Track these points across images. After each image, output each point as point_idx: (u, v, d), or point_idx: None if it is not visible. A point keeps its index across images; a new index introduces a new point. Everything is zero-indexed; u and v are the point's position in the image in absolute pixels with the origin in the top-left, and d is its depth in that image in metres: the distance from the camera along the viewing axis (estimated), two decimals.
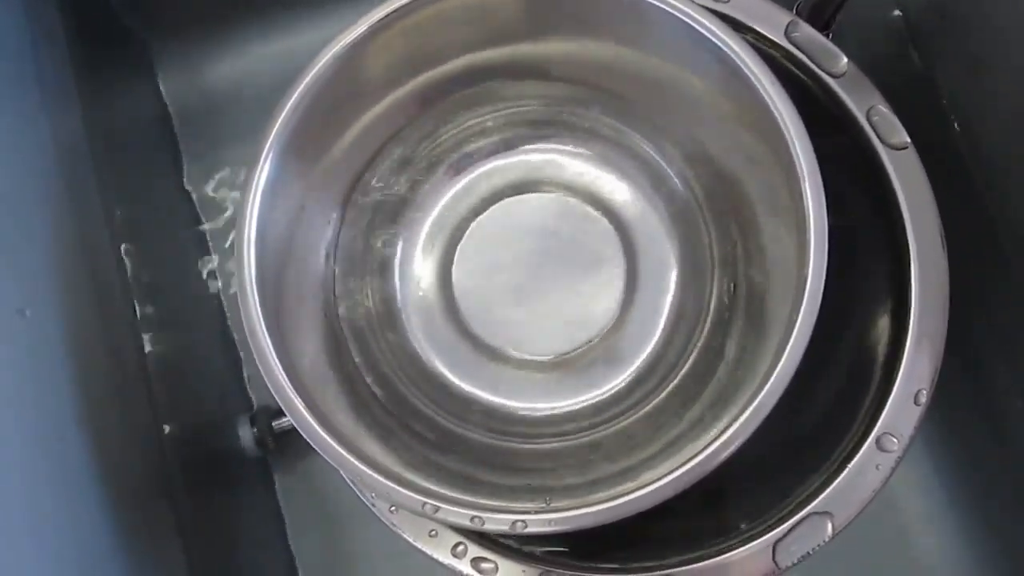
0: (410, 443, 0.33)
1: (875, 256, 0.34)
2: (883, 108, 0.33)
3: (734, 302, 0.34)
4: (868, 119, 0.33)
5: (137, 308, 0.40)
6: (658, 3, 0.30)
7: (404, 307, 0.36)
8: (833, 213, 0.28)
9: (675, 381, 0.34)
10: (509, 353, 0.36)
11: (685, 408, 0.33)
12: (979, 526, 0.44)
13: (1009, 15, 0.36)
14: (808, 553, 0.31)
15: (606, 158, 0.36)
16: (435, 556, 0.32)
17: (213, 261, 0.49)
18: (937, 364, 0.32)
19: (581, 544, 0.32)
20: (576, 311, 0.35)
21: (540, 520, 0.28)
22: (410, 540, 0.32)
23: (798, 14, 0.35)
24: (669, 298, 0.35)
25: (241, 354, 0.48)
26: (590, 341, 0.35)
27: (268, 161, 0.31)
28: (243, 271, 0.30)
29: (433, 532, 0.32)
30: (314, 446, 0.29)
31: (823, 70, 0.34)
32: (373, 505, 0.33)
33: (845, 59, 0.34)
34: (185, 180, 0.50)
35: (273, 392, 0.29)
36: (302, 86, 0.31)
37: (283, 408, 0.29)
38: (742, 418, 0.27)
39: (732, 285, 0.35)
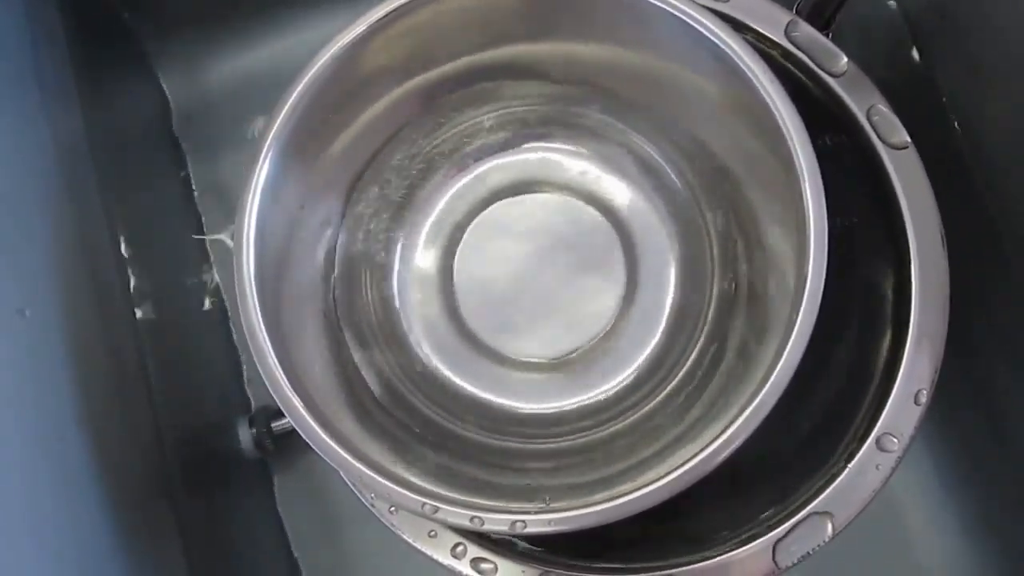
0: (409, 443, 0.33)
1: (875, 256, 0.34)
2: (883, 108, 0.33)
3: (734, 301, 0.34)
4: (868, 118, 0.33)
5: (137, 308, 0.40)
6: (657, 2, 0.30)
7: (403, 307, 0.36)
8: (833, 213, 0.28)
9: (675, 381, 0.34)
10: (509, 353, 0.35)
11: (685, 408, 0.33)
12: (979, 526, 0.44)
13: (1009, 14, 0.36)
14: (808, 553, 0.31)
15: (606, 158, 0.36)
16: (434, 557, 0.32)
17: (213, 261, 0.49)
18: (937, 364, 0.32)
19: (581, 544, 0.32)
20: (576, 311, 0.35)
21: (540, 520, 0.28)
22: (409, 541, 0.32)
23: (798, 13, 0.35)
24: (669, 298, 0.35)
25: (241, 355, 0.48)
26: (590, 341, 0.35)
27: (267, 160, 0.31)
28: (242, 270, 0.30)
29: (432, 532, 0.32)
30: (313, 447, 0.29)
31: (823, 69, 0.34)
32: (372, 506, 0.32)
33: (845, 58, 0.34)
34: (185, 179, 0.50)
35: (272, 393, 0.29)
36: (301, 85, 0.31)
37: (282, 409, 0.29)
38: (742, 418, 0.27)
39: (732, 284, 0.34)
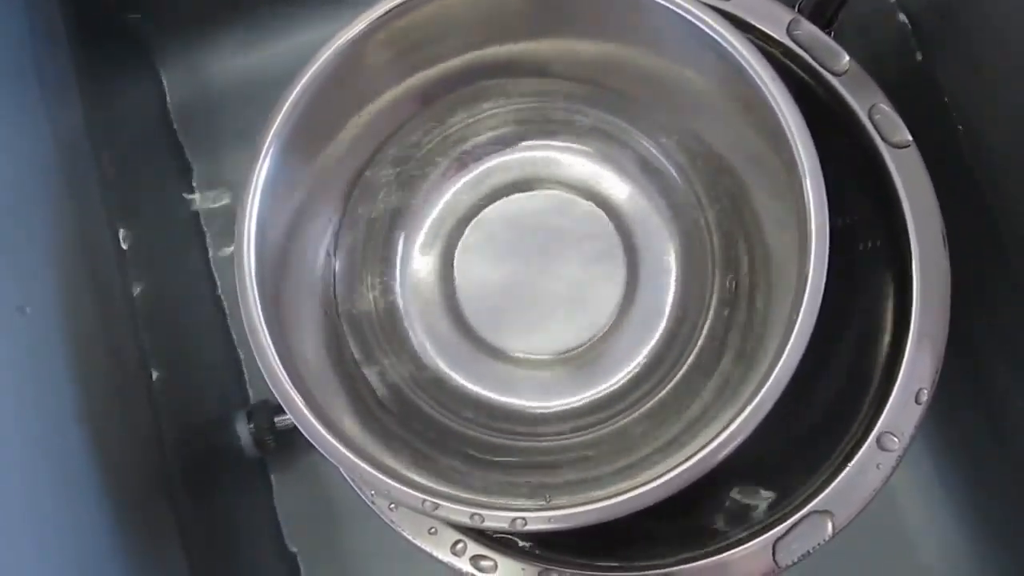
0: (410, 440, 0.33)
1: (876, 254, 0.34)
2: (885, 106, 0.33)
3: (735, 300, 0.34)
4: (870, 117, 0.33)
5: (137, 305, 0.40)
6: (660, 0, 0.30)
7: (404, 304, 0.36)
8: (834, 212, 0.28)
9: (675, 379, 0.34)
10: (510, 351, 0.35)
11: (685, 406, 0.33)
12: (980, 525, 0.44)
13: (1011, 14, 0.35)
14: (808, 552, 0.31)
15: (607, 156, 0.36)
16: (434, 554, 0.32)
17: (213, 258, 0.49)
18: (938, 363, 0.32)
19: (581, 542, 0.32)
20: (577, 309, 0.35)
21: (540, 518, 0.28)
22: (409, 538, 0.32)
23: (800, 12, 0.35)
24: (670, 296, 0.35)
25: (241, 353, 0.48)
26: (591, 339, 0.35)
27: (268, 158, 0.31)
28: (243, 268, 0.30)
29: (432, 530, 0.32)
30: (313, 443, 0.29)
31: (825, 68, 0.34)
32: (372, 503, 0.32)
33: (847, 57, 0.34)
34: (186, 177, 0.50)
35: (272, 389, 0.29)
36: (302, 83, 0.31)
37: (282, 405, 0.29)
38: (742, 416, 0.27)
39: (733, 283, 0.34)
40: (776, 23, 0.34)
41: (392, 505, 0.32)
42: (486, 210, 0.37)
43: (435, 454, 0.33)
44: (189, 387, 0.43)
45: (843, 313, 0.33)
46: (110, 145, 0.41)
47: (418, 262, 0.37)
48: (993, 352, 0.42)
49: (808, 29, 0.34)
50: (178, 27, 0.50)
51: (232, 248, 0.30)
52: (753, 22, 0.34)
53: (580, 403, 0.35)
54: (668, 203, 0.36)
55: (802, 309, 0.27)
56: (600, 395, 0.35)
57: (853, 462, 0.31)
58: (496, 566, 0.32)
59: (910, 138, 0.33)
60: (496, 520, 0.28)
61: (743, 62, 0.29)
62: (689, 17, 0.30)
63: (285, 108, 0.31)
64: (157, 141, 0.50)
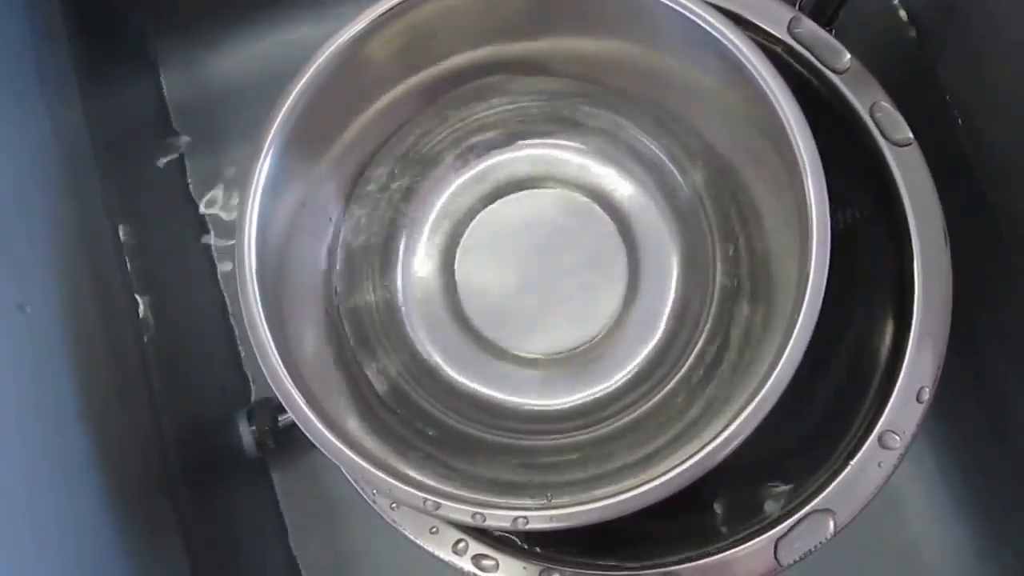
0: (411, 439, 0.33)
1: (878, 253, 0.34)
2: (886, 104, 0.33)
3: (736, 298, 0.34)
4: (871, 115, 0.33)
5: (138, 304, 0.40)
6: None
7: (406, 303, 0.36)
8: (836, 210, 0.28)
9: (677, 377, 0.34)
10: (511, 349, 0.35)
11: (687, 405, 0.33)
12: (982, 523, 0.44)
13: (1012, 11, 0.35)
14: (810, 550, 0.31)
15: (608, 154, 0.36)
16: (436, 553, 0.32)
17: (214, 257, 0.49)
18: (940, 362, 0.32)
19: (583, 541, 0.32)
20: (578, 307, 0.35)
21: (541, 517, 0.28)
22: (411, 537, 0.32)
23: (801, 9, 0.34)
24: (671, 294, 0.35)
25: (242, 351, 0.48)
26: (592, 337, 0.35)
27: (269, 156, 0.30)
28: (244, 267, 0.30)
29: (434, 529, 0.32)
30: (315, 442, 0.29)
31: (826, 66, 0.34)
32: (374, 502, 0.32)
33: (848, 55, 0.34)
34: (186, 176, 0.50)
35: (274, 388, 0.29)
36: (303, 81, 0.31)
37: (284, 404, 0.29)
38: (743, 415, 0.27)
39: (734, 281, 0.34)
40: (777, 21, 0.34)
41: (393, 504, 0.32)
42: (487, 209, 0.36)
43: (436, 453, 0.33)
44: (190, 386, 0.43)
45: (844, 311, 0.33)
46: (110, 144, 0.41)
47: (419, 261, 0.37)
48: (994, 350, 0.42)
49: (809, 27, 0.34)
50: (178, 26, 0.50)
51: (233, 246, 0.30)
52: (754, 20, 0.34)
53: (582, 402, 0.35)
54: (669, 201, 0.36)
55: (803, 308, 0.27)
56: (601, 394, 0.35)
57: (855, 460, 0.31)
58: (498, 565, 0.32)
59: (911, 136, 0.33)
60: (498, 519, 0.28)
61: (744, 60, 0.29)
62: (690, 15, 0.30)
63: (286, 107, 0.31)
64: (157, 140, 0.50)
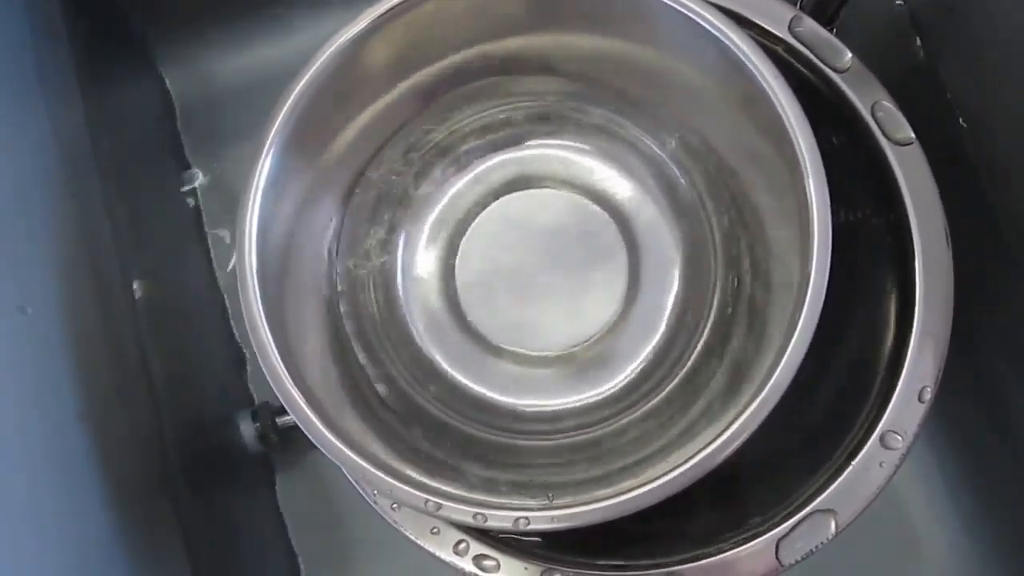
0: (412, 439, 0.33)
1: (879, 253, 0.34)
2: (887, 103, 0.33)
3: (737, 298, 0.34)
4: (872, 115, 0.33)
5: (138, 304, 0.40)
6: None
7: (406, 303, 0.36)
8: (837, 210, 0.28)
9: (678, 377, 0.34)
10: (512, 349, 0.35)
11: (688, 405, 0.33)
12: (983, 523, 0.44)
13: (1013, 11, 0.35)
14: (811, 551, 0.31)
15: (609, 153, 0.36)
16: (437, 553, 0.32)
17: (215, 257, 0.49)
18: (941, 362, 0.32)
19: (584, 541, 0.32)
20: (579, 307, 0.35)
21: (543, 517, 0.28)
22: (412, 537, 0.32)
23: (802, 8, 0.34)
24: (672, 294, 0.35)
25: (244, 351, 0.48)
26: (593, 337, 0.35)
27: (269, 156, 0.30)
28: (244, 267, 0.30)
29: (435, 529, 0.32)
30: (316, 443, 0.29)
31: (827, 65, 0.34)
32: (375, 502, 0.32)
33: (849, 54, 0.34)
34: (187, 175, 0.50)
35: (275, 388, 0.29)
36: (303, 81, 0.31)
37: (285, 404, 0.29)
38: (745, 415, 0.27)
39: (735, 281, 0.34)
40: (778, 20, 0.34)
41: (394, 505, 0.32)
42: (488, 209, 0.36)
43: (437, 453, 0.33)
44: (190, 386, 0.43)
45: (846, 311, 0.33)
46: (111, 144, 0.41)
47: (420, 260, 0.37)
48: (996, 350, 0.42)
49: (810, 26, 0.34)
50: (179, 26, 0.50)
51: (234, 247, 0.30)
52: (755, 19, 0.34)
53: (582, 402, 0.35)
54: (670, 201, 0.36)
55: (804, 308, 0.27)
56: (602, 394, 0.35)
57: (856, 460, 0.31)
58: (499, 566, 0.32)
59: (913, 135, 0.33)
60: (499, 520, 0.28)
61: (745, 59, 0.29)
62: (691, 14, 0.30)
63: (286, 107, 0.31)
64: (158, 140, 0.50)
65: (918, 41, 0.43)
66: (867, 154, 0.33)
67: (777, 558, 0.31)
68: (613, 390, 0.35)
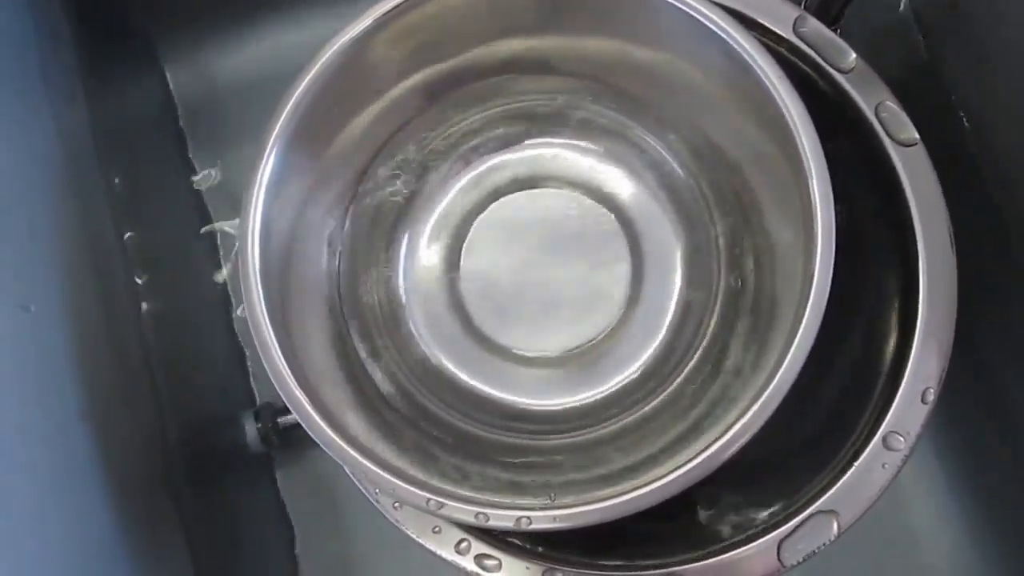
0: (414, 439, 0.33)
1: (883, 253, 0.34)
2: (892, 104, 0.33)
3: (740, 298, 0.34)
4: (877, 115, 0.33)
5: (142, 303, 0.40)
6: None
7: (409, 302, 0.36)
8: (840, 210, 0.28)
9: (680, 378, 0.34)
10: (514, 349, 0.35)
11: (690, 405, 0.33)
12: (986, 525, 0.44)
13: (1018, 10, 0.35)
14: (813, 552, 0.31)
15: (612, 153, 0.36)
16: (439, 552, 0.32)
17: (218, 255, 0.49)
18: (945, 363, 0.32)
19: (586, 541, 0.32)
20: (582, 307, 0.35)
21: (545, 517, 0.28)
22: (413, 536, 0.32)
23: (806, 9, 0.34)
24: (675, 294, 0.35)
25: (246, 350, 0.48)
26: (596, 337, 0.35)
27: (272, 155, 0.30)
28: (247, 265, 0.30)
29: (437, 528, 0.32)
30: (318, 441, 0.29)
31: (831, 65, 0.33)
32: (377, 501, 0.32)
33: (854, 55, 0.33)
34: (190, 174, 0.50)
35: (277, 387, 0.29)
36: (307, 80, 0.31)
37: (287, 403, 0.29)
38: (747, 415, 0.27)
39: (738, 281, 0.34)
40: (782, 20, 0.34)
41: (396, 504, 0.32)
42: (491, 208, 0.36)
43: (440, 452, 0.33)
44: (193, 385, 0.43)
45: (849, 312, 0.33)
46: (114, 143, 0.41)
47: (422, 259, 0.37)
48: (1000, 351, 0.42)
49: (814, 26, 0.34)
50: (182, 24, 0.50)
51: (237, 245, 0.30)
52: (759, 19, 0.34)
53: (585, 401, 0.35)
54: (673, 201, 0.36)
55: (808, 307, 0.27)
56: (605, 393, 0.35)
57: (859, 462, 0.31)
58: (500, 565, 0.32)
59: (917, 136, 0.33)
60: (501, 519, 0.28)
61: (748, 59, 0.29)
62: (694, 14, 0.30)
63: (289, 105, 0.31)
64: (161, 139, 0.50)
65: (922, 41, 0.43)
66: (871, 154, 0.33)
67: (779, 559, 0.31)
68: (615, 390, 0.35)
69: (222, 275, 0.49)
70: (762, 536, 0.31)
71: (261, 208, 0.30)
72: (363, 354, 0.35)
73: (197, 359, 0.44)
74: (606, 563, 0.32)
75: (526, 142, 0.37)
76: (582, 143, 0.36)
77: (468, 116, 0.36)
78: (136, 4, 0.48)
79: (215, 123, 0.50)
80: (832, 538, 0.31)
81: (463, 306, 0.36)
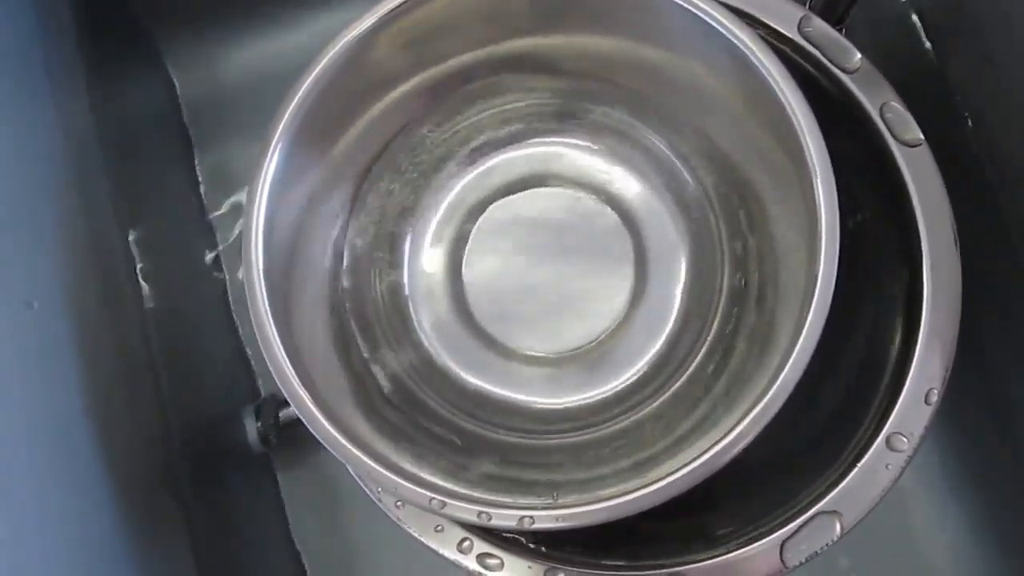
0: (417, 438, 0.33)
1: (887, 254, 0.33)
2: (896, 104, 0.33)
3: (744, 298, 0.34)
4: (881, 115, 0.33)
5: (145, 301, 0.40)
6: None
7: (412, 301, 0.36)
8: (845, 210, 0.28)
9: (684, 377, 0.34)
10: (517, 348, 0.35)
11: (694, 405, 0.33)
12: (988, 526, 0.44)
13: (1022, 12, 0.35)
14: (816, 552, 0.31)
15: (616, 152, 0.36)
16: (441, 551, 0.32)
17: (221, 253, 0.49)
18: (948, 364, 0.32)
19: (588, 540, 0.32)
20: (585, 306, 0.35)
21: (547, 516, 0.27)
22: (416, 535, 0.32)
23: (811, 8, 0.34)
24: (679, 294, 0.35)
25: (249, 348, 0.48)
26: (599, 336, 0.35)
27: (276, 152, 0.30)
28: (251, 264, 0.30)
29: (439, 527, 0.32)
30: (320, 440, 0.29)
31: (836, 66, 0.33)
32: (379, 500, 0.32)
33: (858, 55, 0.33)
34: (194, 171, 0.50)
35: (279, 385, 0.29)
36: (311, 78, 0.31)
37: (289, 401, 0.29)
38: (751, 415, 0.27)
39: (742, 281, 0.34)
40: (787, 20, 0.34)
41: (399, 502, 0.32)
42: (494, 206, 0.36)
43: (442, 451, 0.33)
44: (196, 383, 0.43)
45: (853, 312, 0.33)
46: (118, 140, 0.41)
47: (426, 258, 0.37)
48: (1004, 352, 0.42)
49: (819, 26, 0.34)
50: (186, 22, 0.50)
51: (240, 243, 0.30)
52: (764, 19, 0.34)
53: (588, 401, 0.35)
54: (677, 200, 0.36)
55: (812, 307, 0.27)
56: (608, 393, 0.35)
57: (862, 463, 0.31)
58: (502, 564, 0.32)
59: (921, 136, 0.33)
60: (503, 519, 0.28)
61: (753, 59, 0.29)
62: (699, 13, 0.29)
63: (294, 103, 0.30)
64: (165, 136, 0.50)
65: (927, 42, 0.43)
66: (875, 155, 0.33)
67: (781, 559, 0.31)
68: (619, 389, 0.35)
69: (224, 273, 0.49)
70: (765, 536, 0.31)
71: (265, 206, 0.30)
72: (366, 353, 0.35)
73: (200, 357, 0.44)
74: (608, 563, 0.32)
75: (530, 141, 0.37)
76: (586, 142, 0.36)
77: (473, 114, 0.36)
78: (140, 2, 0.48)
79: (219, 121, 0.50)
80: (835, 539, 0.31)
81: (467, 305, 0.36)
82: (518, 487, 0.31)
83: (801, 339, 0.27)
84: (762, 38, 0.29)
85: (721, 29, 0.29)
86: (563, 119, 0.36)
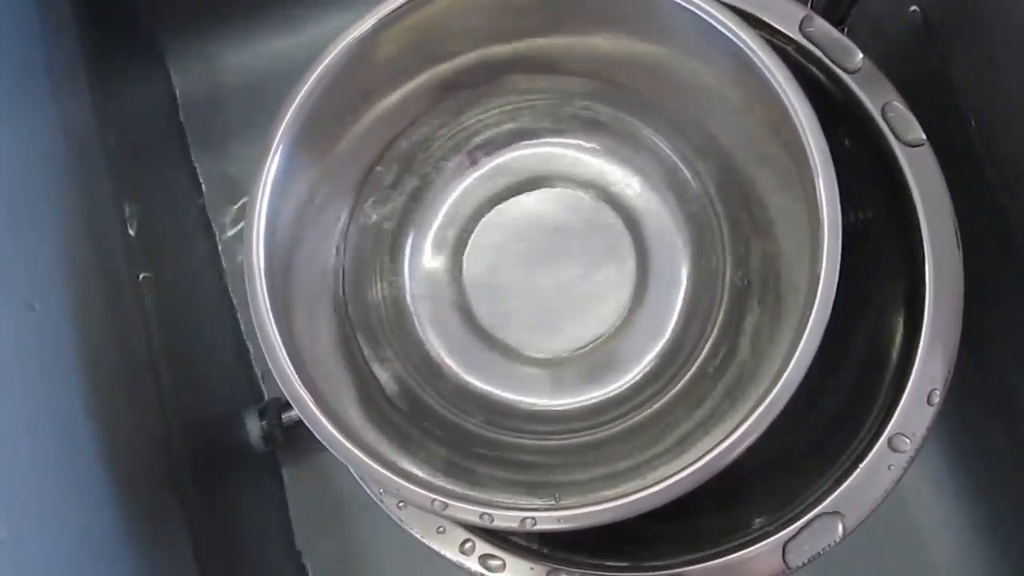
0: (419, 439, 0.33)
1: (889, 254, 0.33)
2: (898, 104, 0.33)
3: (746, 299, 0.34)
4: (883, 115, 0.33)
5: (146, 300, 0.40)
6: None
7: (414, 302, 0.36)
8: (847, 210, 0.28)
9: (686, 378, 0.34)
10: (520, 348, 0.35)
11: (696, 406, 0.33)
12: (991, 526, 0.44)
13: None
14: (819, 553, 0.31)
15: (618, 153, 0.36)
16: (443, 552, 0.32)
17: (222, 253, 0.49)
18: (951, 364, 0.32)
19: (590, 541, 0.32)
20: (587, 307, 0.35)
21: (549, 517, 0.27)
22: (418, 536, 0.32)
23: (813, 8, 0.34)
24: (680, 294, 0.35)
25: (250, 348, 0.48)
26: (601, 337, 0.35)
27: (278, 153, 0.30)
28: (252, 263, 0.30)
29: (441, 528, 0.32)
30: (322, 441, 0.29)
31: (838, 66, 0.33)
32: (381, 500, 0.32)
33: (860, 55, 0.33)
34: (195, 171, 0.50)
35: (281, 386, 0.29)
36: (312, 78, 0.31)
37: (291, 402, 0.29)
38: (753, 417, 0.27)
39: (744, 281, 0.34)
40: (789, 20, 0.34)
41: (401, 503, 0.32)
42: (496, 207, 0.36)
43: (444, 452, 0.33)
44: (197, 383, 0.43)
45: (855, 312, 0.33)
46: (119, 139, 0.41)
47: (427, 259, 0.36)
48: (1006, 353, 0.42)
49: (821, 26, 0.34)
50: (187, 21, 0.50)
51: (242, 243, 0.30)
52: (765, 19, 0.34)
53: (590, 402, 0.35)
54: (679, 201, 0.36)
55: (814, 308, 0.27)
56: (610, 394, 0.35)
57: (864, 463, 0.31)
58: (504, 565, 0.32)
59: (923, 136, 0.33)
60: (505, 520, 0.28)
61: (755, 59, 0.29)
62: (701, 13, 0.29)
63: (295, 104, 0.30)
64: (166, 135, 0.50)
65: (929, 42, 0.43)
66: (877, 155, 0.33)
67: (784, 560, 0.31)
68: (620, 390, 0.35)
69: (225, 273, 0.49)
70: (767, 537, 0.31)
71: (266, 207, 0.30)
72: (367, 353, 0.35)
73: (202, 357, 0.44)
74: (611, 564, 0.32)
75: (531, 141, 0.37)
76: (588, 142, 0.36)
77: (475, 115, 0.36)
78: (141, 2, 0.48)
79: (220, 121, 0.50)
80: (837, 539, 0.31)
81: (468, 306, 0.36)
82: (520, 488, 0.31)
83: (803, 339, 0.27)
84: (764, 38, 0.29)
85: (723, 29, 0.29)
86: (565, 120, 0.36)
